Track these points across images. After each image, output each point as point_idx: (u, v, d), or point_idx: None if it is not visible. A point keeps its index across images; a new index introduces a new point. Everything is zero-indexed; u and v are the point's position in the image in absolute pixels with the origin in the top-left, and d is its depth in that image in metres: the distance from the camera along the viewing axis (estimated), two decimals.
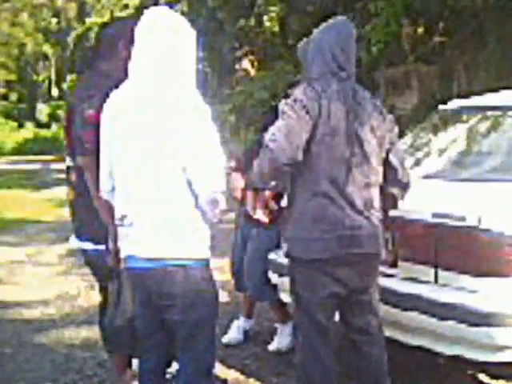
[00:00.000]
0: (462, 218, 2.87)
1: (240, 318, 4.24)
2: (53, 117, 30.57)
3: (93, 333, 4.28)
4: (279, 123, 2.62)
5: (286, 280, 3.66)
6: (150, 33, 2.49)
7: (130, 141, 2.46)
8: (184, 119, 2.40)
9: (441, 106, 4.28)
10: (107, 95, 2.68)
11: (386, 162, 2.81)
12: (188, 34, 2.53)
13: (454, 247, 2.92)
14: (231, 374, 3.76)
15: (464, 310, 2.81)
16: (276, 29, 15.23)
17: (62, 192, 12.59)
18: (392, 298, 3.04)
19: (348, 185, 2.69)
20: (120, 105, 2.52)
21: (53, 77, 31.80)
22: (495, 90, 4.25)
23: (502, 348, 2.79)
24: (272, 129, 2.62)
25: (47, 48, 31.27)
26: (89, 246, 3.18)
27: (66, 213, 9.35)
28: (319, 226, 2.68)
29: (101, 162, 2.64)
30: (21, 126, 30.61)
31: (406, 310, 3.00)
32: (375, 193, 2.78)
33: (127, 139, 2.47)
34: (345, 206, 2.68)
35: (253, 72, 17.86)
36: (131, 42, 2.86)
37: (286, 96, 3.53)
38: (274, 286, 3.87)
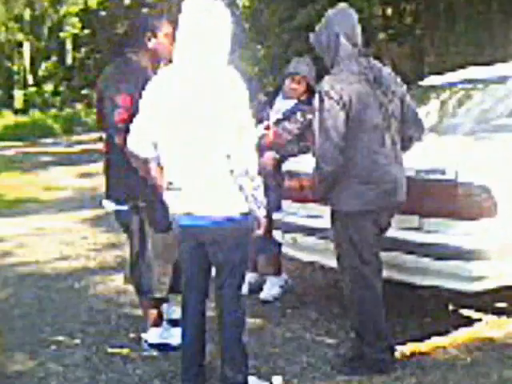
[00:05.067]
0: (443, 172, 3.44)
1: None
2: (29, 103, 30.78)
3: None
4: (316, 124, 3.22)
5: (289, 236, 4.24)
6: (192, 19, 2.99)
7: (177, 118, 2.97)
8: (226, 98, 2.92)
9: (420, 82, 4.88)
10: (135, 81, 3.26)
11: (404, 113, 3.38)
12: (225, 16, 3.03)
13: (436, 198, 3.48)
14: None
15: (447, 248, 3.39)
16: None
17: (49, 175, 13.04)
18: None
19: (384, 145, 3.26)
20: (169, 82, 3.02)
21: (27, 65, 31.79)
22: (463, 68, 4.89)
23: (477, 278, 3.38)
24: (315, 133, 3.23)
25: (21, 36, 31.18)
26: (117, 206, 3.72)
27: (59, 193, 10.11)
28: (366, 184, 3.24)
29: (139, 126, 3.12)
30: None
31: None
32: (399, 148, 3.36)
33: (176, 115, 2.97)
34: (384, 164, 3.25)
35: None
36: (155, 34, 3.49)
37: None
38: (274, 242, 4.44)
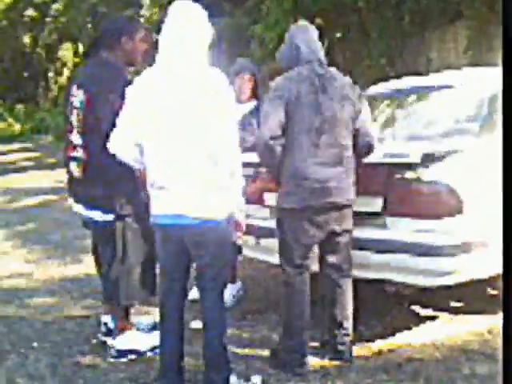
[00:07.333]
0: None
1: None
2: None
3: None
4: (263, 109, 3.48)
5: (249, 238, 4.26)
6: (175, 24, 3.04)
7: (163, 119, 2.97)
8: (212, 99, 2.95)
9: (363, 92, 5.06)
10: (122, 82, 3.22)
11: (357, 125, 3.50)
12: (206, 18, 3.09)
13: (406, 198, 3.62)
14: None
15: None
16: None
17: None
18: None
19: (318, 147, 3.37)
20: (152, 85, 3.01)
21: None
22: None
23: (443, 274, 3.52)
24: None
25: None
26: (97, 215, 3.61)
27: None
28: (296, 182, 3.37)
29: (122, 129, 3.11)
30: None
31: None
32: (345, 152, 3.44)
33: (162, 116, 2.97)
34: (316, 164, 3.36)
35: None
36: (131, 37, 3.52)
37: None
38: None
